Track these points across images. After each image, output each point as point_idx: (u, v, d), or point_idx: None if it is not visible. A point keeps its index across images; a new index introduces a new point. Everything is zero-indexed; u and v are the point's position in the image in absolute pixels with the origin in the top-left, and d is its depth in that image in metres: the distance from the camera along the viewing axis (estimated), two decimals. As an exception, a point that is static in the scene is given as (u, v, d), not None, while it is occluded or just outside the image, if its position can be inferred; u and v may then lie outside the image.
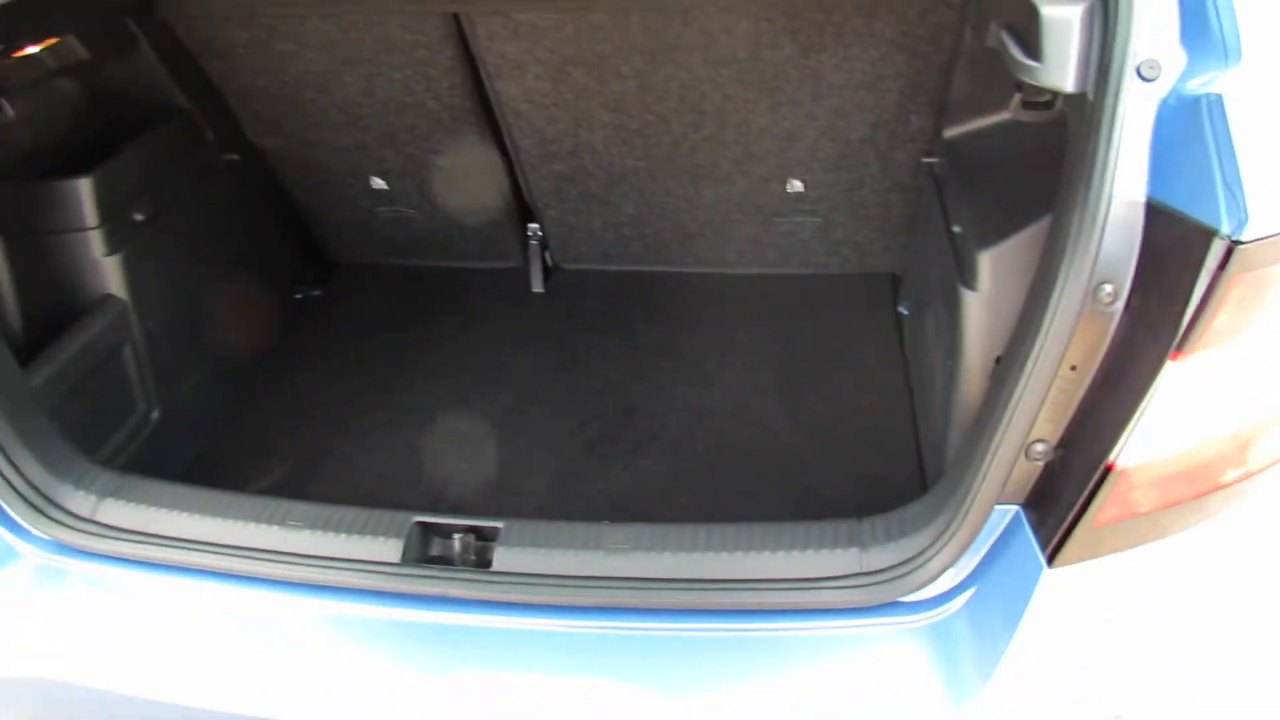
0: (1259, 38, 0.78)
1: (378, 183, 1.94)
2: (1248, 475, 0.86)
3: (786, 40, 1.45)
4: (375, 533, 1.05)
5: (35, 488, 1.12)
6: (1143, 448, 0.81)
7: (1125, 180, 0.75)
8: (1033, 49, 0.86)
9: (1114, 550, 0.85)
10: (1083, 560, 0.85)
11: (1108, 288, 0.77)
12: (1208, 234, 0.73)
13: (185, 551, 1.09)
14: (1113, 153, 0.75)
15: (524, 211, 2.01)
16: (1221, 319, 0.75)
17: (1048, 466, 0.86)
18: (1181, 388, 0.79)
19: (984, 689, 0.82)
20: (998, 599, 0.87)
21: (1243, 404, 0.83)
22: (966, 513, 0.86)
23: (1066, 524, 0.84)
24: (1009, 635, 0.83)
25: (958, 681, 0.83)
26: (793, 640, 0.90)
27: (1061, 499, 0.85)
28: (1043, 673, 0.85)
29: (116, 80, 1.66)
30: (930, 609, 0.88)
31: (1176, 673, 0.89)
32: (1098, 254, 0.75)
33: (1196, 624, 0.90)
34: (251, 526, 1.09)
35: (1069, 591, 0.85)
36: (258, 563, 1.06)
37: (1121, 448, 0.80)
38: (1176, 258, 0.75)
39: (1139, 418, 0.79)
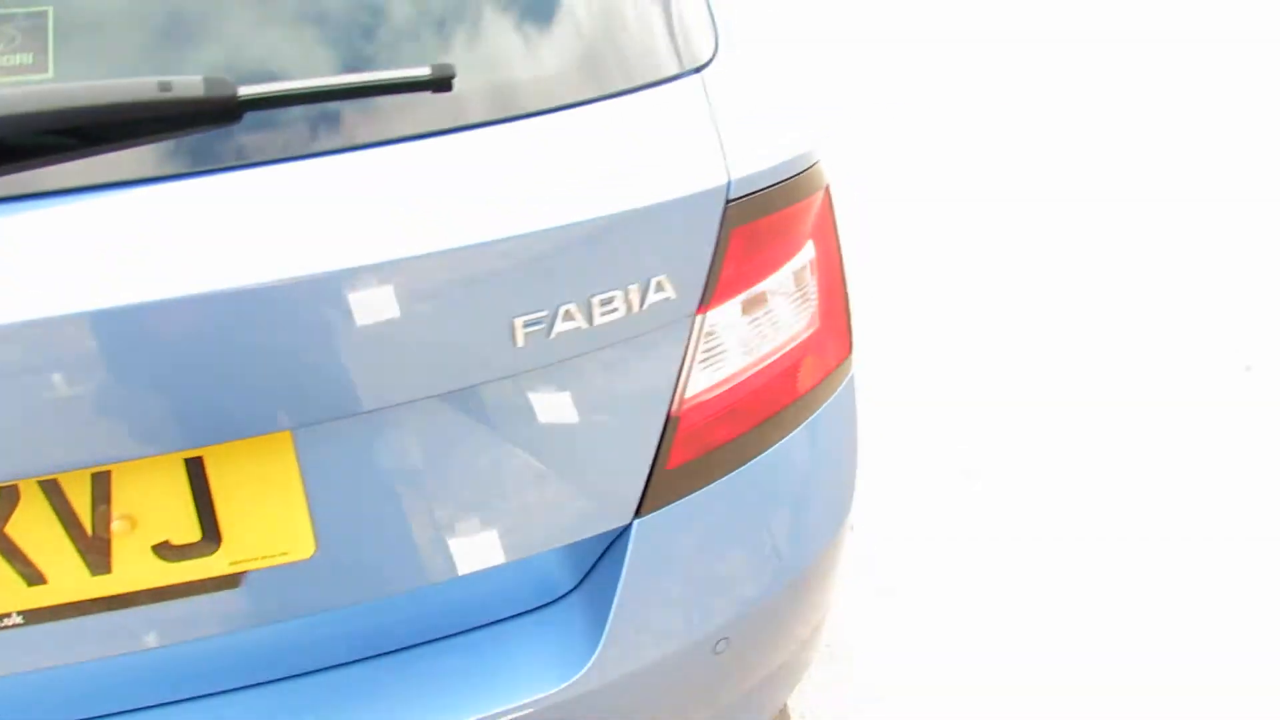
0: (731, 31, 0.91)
1: None
2: (797, 397, 0.94)
3: None
4: None
5: None
6: (694, 393, 0.87)
7: None
8: None
9: (697, 488, 0.90)
10: (667, 504, 0.89)
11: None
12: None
13: None
14: None
15: None
16: (729, 270, 0.83)
17: None
18: (712, 336, 0.86)
19: (599, 647, 0.87)
20: (602, 567, 0.91)
21: (769, 340, 0.91)
22: None
23: (645, 476, 0.86)
24: (613, 593, 0.88)
25: (576, 650, 0.88)
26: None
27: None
28: (650, 616, 0.90)
29: None
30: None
31: (773, 589, 0.96)
32: None
33: (786, 540, 0.97)
34: None
35: (660, 536, 0.89)
36: None
37: (678, 398, 0.85)
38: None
39: (684, 371, 0.84)
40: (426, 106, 0.74)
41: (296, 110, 0.71)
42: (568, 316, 0.75)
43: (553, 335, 0.75)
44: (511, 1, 0.79)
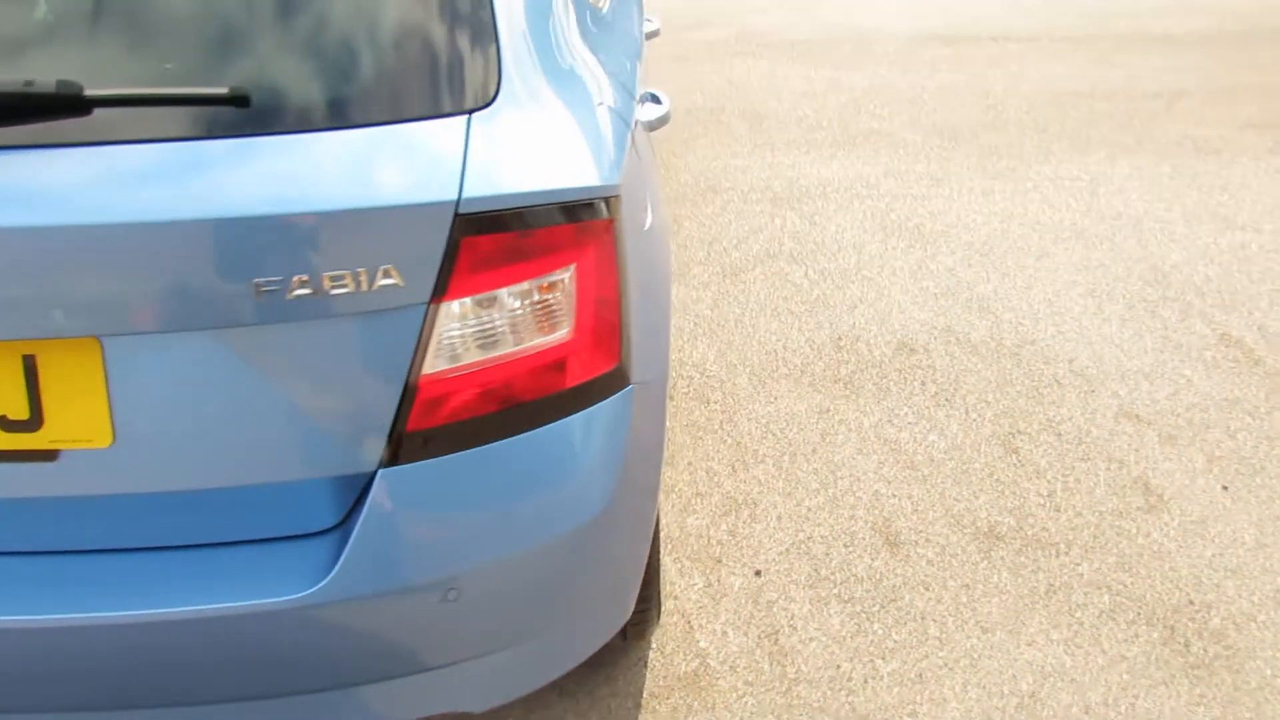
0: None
1: None
2: (546, 395, 1.09)
3: None
4: None
5: None
6: (433, 370, 1.04)
7: None
8: None
9: (441, 453, 1.06)
10: (412, 462, 1.06)
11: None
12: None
13: None
14: None
15: None
16: (463, 271, 1.01)
17: None
18: (451, 324, 1.03)
19: (331, 574, 1.04)
20: (357, 510, 1.08)
21: (515, 338, 1.07)
22: None
23: (388, 432, 1.04)
24: (353, 528, 1.06)
25: (317, 574, 1.05)
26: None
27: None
28: (382, 555, 1.07)
29: None
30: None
31: (501, 558, 1.11)
32: None
33: (520, 519, 1.12)
34: None
35: (402, 488, 1.06)
36: None
37: (416, 371, 1.04)
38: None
39: (421, 349, 1.03)
40: (230, 115, 0.97)
41: (135, 110, 0.96)
42: (301, 284, 0.95)
43: (289, 297, 0.95)
44: (319, 42, 1.03)
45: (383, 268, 0.97)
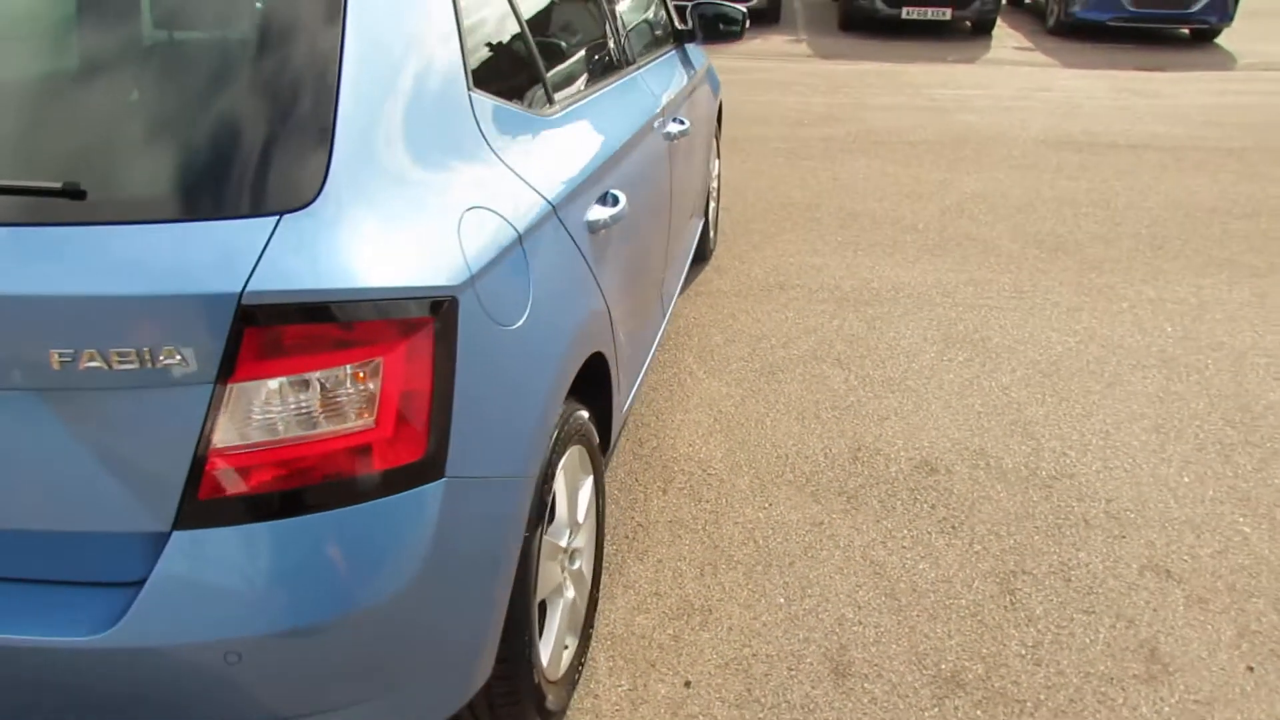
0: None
1: None
2: (343, 477, 1.14)
3: None
4: None
5: None
6: (222, 444, 1.11)
7: None
8: None
9: (233, 523, 1.13)
10: (205, 527, 1.13)
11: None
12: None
13: None
14: None
15: None
16: (249, 356, 1.08)
17: None
18: (240, 403, 1.11)
19: (117, 624, 1.12)
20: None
21: (311, 422, 1.14)
22: None
23: (179, 497, 1.12)
24: (144, 585, 1.13)
25: (109, 621, 1.13)
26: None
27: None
28: (169, 611, 1.11)
29: None
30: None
31: (279, 630, 1.16)
32: None
33: (306, 593, 1.16)
34: None
35: (193, 551, 1.13)
36: None
37: (204, 443, 1.11)
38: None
39: (209, 424, 1.10)
40: (57, 205, 1.11)
41: None
42: (90, 357, 1.06)
43: (80, 368, 1.06)
44: (150, 144, 1.16)
45: (166, 348, 1.06)
